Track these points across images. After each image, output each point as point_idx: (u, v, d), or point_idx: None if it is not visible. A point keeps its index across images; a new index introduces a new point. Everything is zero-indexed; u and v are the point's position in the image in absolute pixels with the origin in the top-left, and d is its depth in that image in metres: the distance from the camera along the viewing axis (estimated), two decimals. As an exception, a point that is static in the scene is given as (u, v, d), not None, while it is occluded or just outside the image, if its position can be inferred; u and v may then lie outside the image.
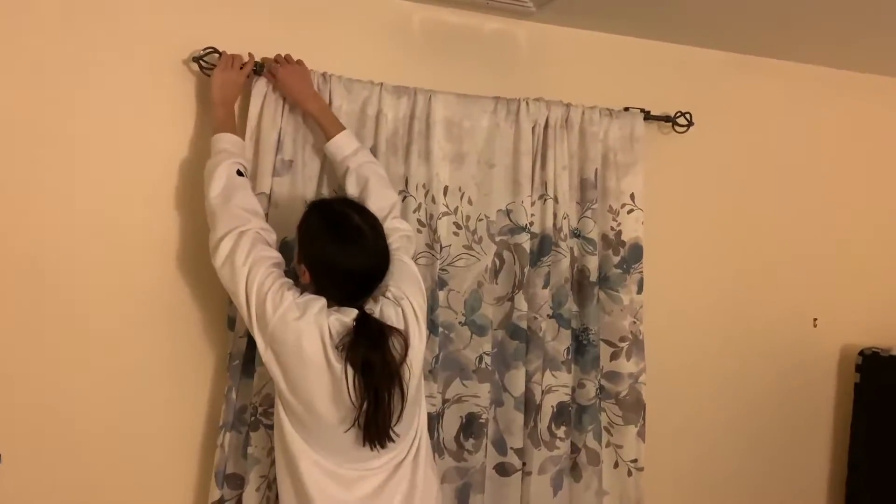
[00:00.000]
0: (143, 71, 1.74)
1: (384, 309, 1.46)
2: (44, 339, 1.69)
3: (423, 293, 1.56)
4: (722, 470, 2.37)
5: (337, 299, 1.46)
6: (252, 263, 1.44)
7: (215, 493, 1.73)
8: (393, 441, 1.44)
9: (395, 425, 1.43)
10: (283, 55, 1.76)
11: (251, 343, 1.69)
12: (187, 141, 1.78)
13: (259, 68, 1.76)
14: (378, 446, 1.43)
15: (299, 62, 1.76)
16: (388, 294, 1.49)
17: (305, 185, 1.78)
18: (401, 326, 1.46)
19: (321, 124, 1.73)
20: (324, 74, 1.81)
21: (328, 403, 1.40)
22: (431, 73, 1.95)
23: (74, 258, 1.70)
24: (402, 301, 1.49)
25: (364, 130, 1.83)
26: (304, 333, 1.38)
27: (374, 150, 1.82)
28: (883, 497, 2.31)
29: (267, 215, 1.70)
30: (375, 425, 1.41)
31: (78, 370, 1.72)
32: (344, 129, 1.72)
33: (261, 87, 1.76)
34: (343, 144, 1.70)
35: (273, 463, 1.66)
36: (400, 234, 1.60)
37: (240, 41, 1.76)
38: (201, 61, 1.74)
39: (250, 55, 1.75)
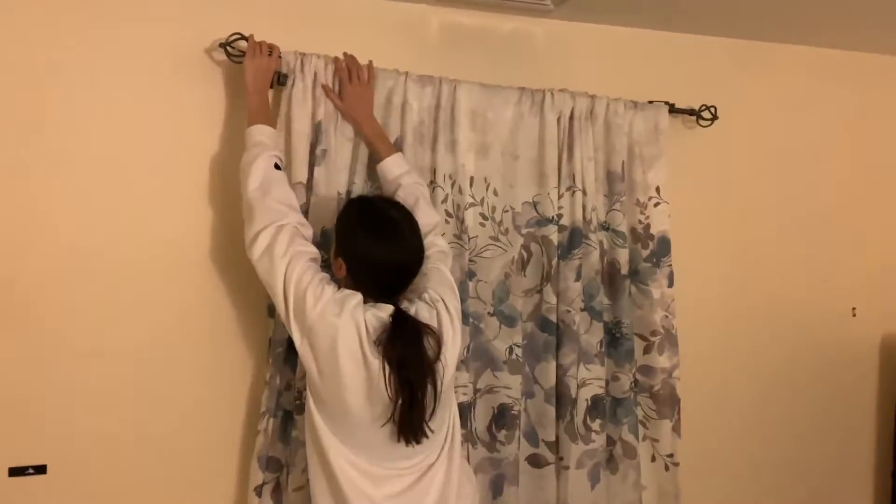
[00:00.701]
0: (168, 62, 1.78)
1: (419, 310, 1.50)
2: (85, 339, 1.75)
3: (458, 299, 1.61)
4: (762, 465, 2.33)
5: (373, 294, 1.50)
6: (291, 257, 1.49)
7: (258, 477, 1.78)
8: (427, 437, 1.47)
9: (429, 421, 1.46)
10: (351, 66, 1.79)
11: None
12: (218, 132, 1.83)
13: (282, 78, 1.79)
14: (413, 442, 1.46)
15: (369, 70, 1.81)
16: (425, 296, 1.53)
17: (338, 176, 1.83)
18: (435, 326, 1.49)
19: (375, 146, 1.80)
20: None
21: (362, 399, 1.43)
22: (451, 69, 1.98)
23: (111, 254, 1.77)
24: (437, 303, 1.53)
25: (390, 120, 1.88)
26: (342, 329, 1.42)
27: (400, 141, 1.88)
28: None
29: (308, 205, 1.76)
30: (410, 421, 1.44)
31: (119, 366, 1.78)
32: (396, 152, 1.80)
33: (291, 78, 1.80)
34: (395, 166, 1.77)
35: None
36: (437, 248, 1.65)
37: (264, 31, 1.80)
38: (228, 48, 1.77)
39: (274, 45, 1.78)
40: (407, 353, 1.42)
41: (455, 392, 1.89)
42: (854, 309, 2.43)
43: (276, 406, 1.79)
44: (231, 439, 1.87)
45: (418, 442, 1.46)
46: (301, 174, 1.77)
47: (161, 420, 1.81)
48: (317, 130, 1.80)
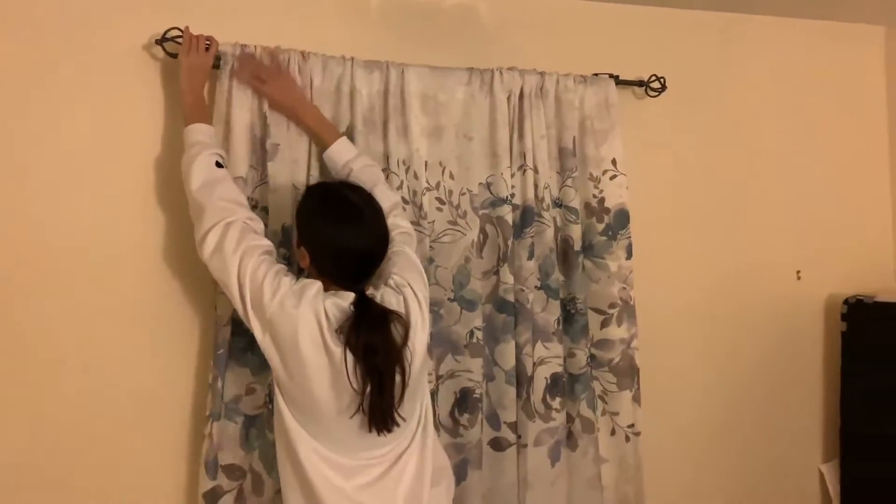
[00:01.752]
0: (104, 59, 1.75)
1: (385, 295, 1.50)
2: (28, 337, 1.72)
3: (426, 282, 1.61)
4: (717, 427, 2.44)
5: (339, 282, 1.50)
6: (243, 252, 1.47)
7: (206, 483, 1.77)
8: (398, 425, 1.47)
9: (398, 409, 1.46)
10: (263, 68, 1.76)
11: (236, 330, 1.74)
12: (158, 130, 1.80)
13: (217, 62, 1.77)
14: (385, 431, 1.46)
15: (284, 72, 1.77)
16: (390, 282, 1.53)
17: (295, 169, 1.81)
18: (402, 312, 1.49)
19: (318, 134, 1.78)
20: (303, 53, 1.84)
21: (327, 390, 1.43)
22: (397, 52, 1.98)
23: (57, 255, 1.74)
24: (404, 288, 1.52)
25: (340, 108, 1.86)
26: (302, 319, 1.41)
27: (351, 129, 1.87)
28: (878, 442, 2.39)
29: (255, 200, 1.76)
30: (380, 410, 1.44)
31: (65, 366, 1.75)
32: (341, 135, 1.77)
33: (226, 71, 1.78)
34: (343, 150, 1.76)
35: None
36: (400, 230, 1.66)
37: (201, 23, 1.77)
38: (164, 45, 1.75)
39: (212, 38, 1.76)
40: (372, 339, 1.42)
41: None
42: (798, 272, 2.53)
43: (231, 410, 1.78)
44: (181, 443, 1.85)
45: (389, 430, 1.47)
46: (242, 169, 1.76)
47: (108, 424, 1.79)
48: (264, 123, 1.77)
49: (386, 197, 1.68)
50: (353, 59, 1.86)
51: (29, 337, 1.71)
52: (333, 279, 1.50)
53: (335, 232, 1.50)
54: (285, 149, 1.79)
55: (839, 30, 2.57)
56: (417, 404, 1.57)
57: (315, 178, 1.83)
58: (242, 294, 1.45)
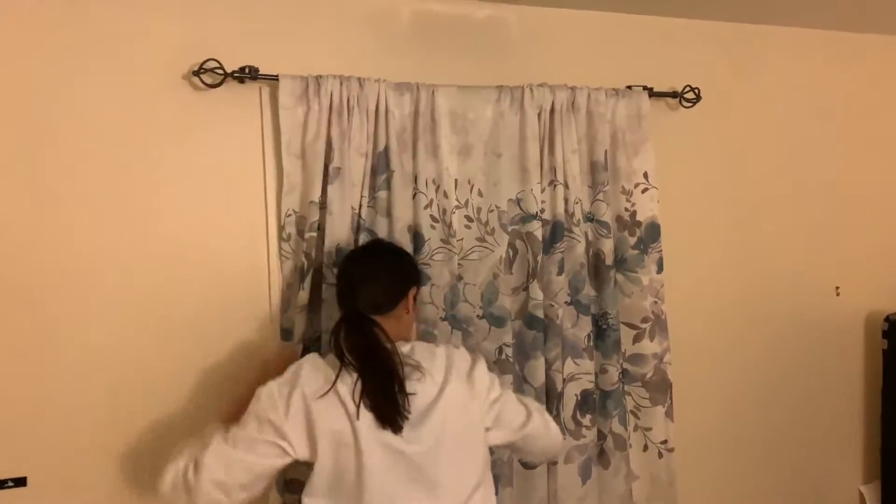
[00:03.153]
0: (141, 88, 1.84)
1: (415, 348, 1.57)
2: (71, 349, 1.81)
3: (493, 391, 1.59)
4: (752, 444, 2.45)
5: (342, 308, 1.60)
6: (233, 441, 1.46)
7: (276, 501, 1.85)
8: (406, 418, 1.46)
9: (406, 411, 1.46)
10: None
11: (306, 350, 1.86)
12: (192, 158, 1.89)
13: (254, 72, 1.86)
14: (398, 425, 1.45)
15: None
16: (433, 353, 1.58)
17: (352, 191, 1.91)
18: (429, 366, 1.53)
19: None
20: (340, 77, 1.91)
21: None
22: (427, 67, 2.05)
23: (105, 263, 1.83)
24: (458, 365, 1.56)
25: (378, 129, 1.94)
26: (307, 387, 1.48)
27: (387, 150, 1.94)
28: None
29: (321, 223, 1.89)
30: (383, 400, 1.45)
31: (137, 392, 1.85)
32: None
33: (288, 95, 1.86)
34: None
35: None
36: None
37: (234, 49, 1.86)
38: (201, 76, 1.85)
39: None
40: (355, 341, 1.48)
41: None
42: (838, 288, 2.53)
43: None
44: None
45: (399, 425, 1.45)
46: (315, 193, 1.87)
47: (148, 434, 1.86)
48: (328, 148, 1.88)
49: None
50: (382, 80, 1.93)
51: (67, 345, 1.80)
52: (340, 305, 1.62)
53: (346, 264, 1.66)
54: (345, 171, 1.89)
55: (867, 41, 2.57)
56: (468, 465, 1.53)
57: (367, 198, 1.94)
58: (273, 448, 1.46)
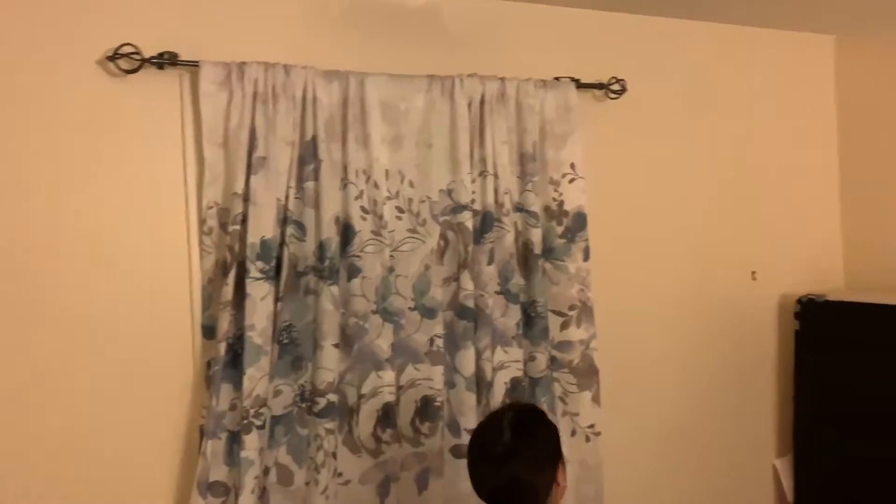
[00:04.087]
0: (51, 74, 1.73)
1: None
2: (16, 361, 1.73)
3: None
4: (675, 425, 2.55)
5: None
6: None
7: (198, 503, 1.80)
8: None
9: None
10: None
11: (229, 348, 1.81)
12: (106, 148, 1.80)
13: (174, 58, 1.78)
14: None
15: None
16: None
17: (278, 181, 1.85)
18: None
19: None
20: (265, 64, 1.85)
21: None
22: (357, 55, 2.02)
23: (14, 281, 1.74)
24: None
25: (305, 117, 1.89)
26: None
27: (315, 139, 1.90)
28: (830, 437, 2.52)
29: (244, 216, 1.81)
30: None
31: (50, 390, 1.77)
32: None
33: (210, 82, 1.79)
34: None
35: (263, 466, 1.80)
36: None
37: (152, 33, 1.78)
38: (116, 61, 1.75)
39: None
40: None
41: (381, 392, 1.94)
42: (754, 272, 2.64)
43: (218, 427, 1.82)
44: (169, 465, 1.87)
45: None
46: (238, 184, 1.81)
47: (59, 434, 1.78)
48: (252, 137, 1.82)
49: None
50: (310, 67, 1.88)
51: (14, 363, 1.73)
52: None
53: (472, 468, 1.48)
54: (271, 160, 1.84)
55: (792, 39, 2.70)
56: None
57: (294, 190, 1.88)
58: None
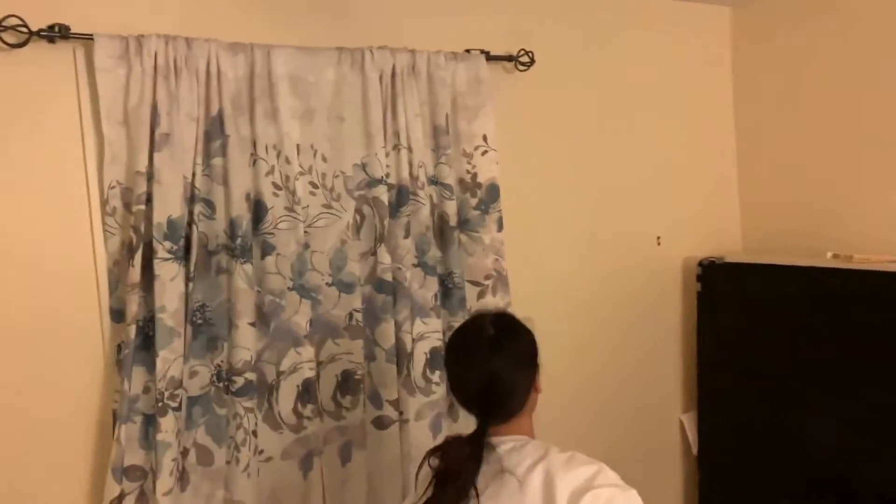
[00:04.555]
0: None
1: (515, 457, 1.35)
2: None
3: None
4: (587, 384, 2.65)
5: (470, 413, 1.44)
6: None
7: (114, 489, 1.77)
8: None
9: None
10: None
11: (140, 331, 1.77)
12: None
13: (65, 31, 1.69)
14: None
15: None
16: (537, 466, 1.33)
17: (183, 158, 1.80)
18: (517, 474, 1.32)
19: None
20: (166, 37, 1.78)
21: None
22: (262, 27, 1.96)
23: None
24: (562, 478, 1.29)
25: (210, 91, 1.84)
26: None
27: (220, 114, 1.85)
28: (728, 391, 2.67)
29: (149, 195, 1.75)
30: None
31: None
32: None
33: (106, 56, 1.72)
34: None
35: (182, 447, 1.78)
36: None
37: (41, 4, 1.69)
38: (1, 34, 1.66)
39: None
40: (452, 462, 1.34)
41: (300, 368, 1.94)
42: (658, 238, 2.75)
43: (132, 411, 1.79)
44: (82, 452, 1.83)
45: None
46: (141, 162, 1.75)
47: (1, 438, 1.74)
48: (154, 113, 1.76)
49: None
50: (213, 40, 1.82)
51: None
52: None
53: (453, 367, 1.49)
54: (175, 137, 1.78)
55: (691, 10, 2.79)
56: None
57: (201, 167, 1.83)
58: None
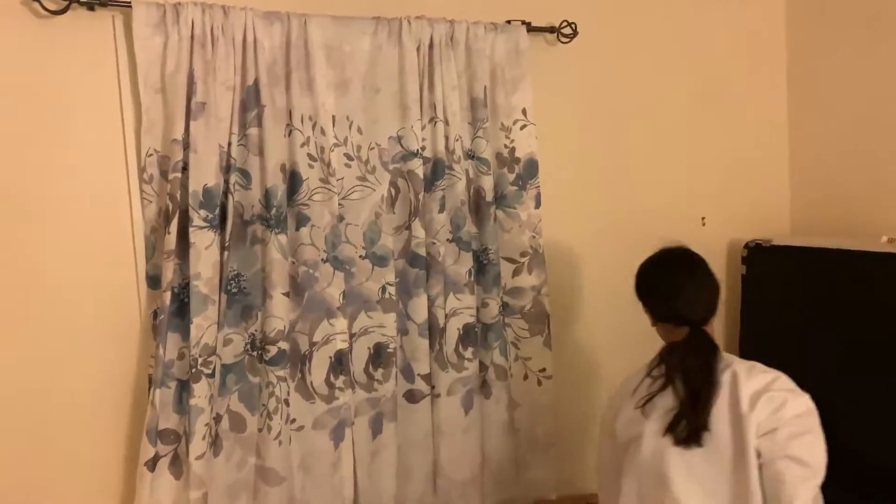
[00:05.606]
0: None
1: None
2: None
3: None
4: (626, 369, 2.55)
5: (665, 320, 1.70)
6: None
7: (148, 451, 1.81)
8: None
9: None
10: None
11: (175, 297, 1.81)
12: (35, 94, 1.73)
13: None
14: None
15: None
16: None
17: (219, 127, 1.82)
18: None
19: None
20: (202, 4, 1.80)
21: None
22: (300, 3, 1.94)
23: None
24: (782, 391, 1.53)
25: (246, 61, 1.84)
26: None
27: (256, 83, 1.86)
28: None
29: (185, 163, 1.77)
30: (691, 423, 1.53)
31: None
32: None
33: (144, 24, 1.73)
34: None
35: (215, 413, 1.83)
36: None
37: None
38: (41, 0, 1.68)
39: None
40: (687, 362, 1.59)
41: (333, 340, 1.94)
42: (703, 218, 2.66)
43: (166, 376, 1.82)
44: (119, 414, 1.88)
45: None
46: (177, 130, 1.77)
47: (41, 400, 1.80)
48: (191, 81, 1.77)
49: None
50: (251, 9, 1.82)
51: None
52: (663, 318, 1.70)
53: (656, 281, 1.73)
54: (211, 106, 1.80)
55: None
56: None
57: (237, 136, 1.84)
58: None
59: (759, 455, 1.48)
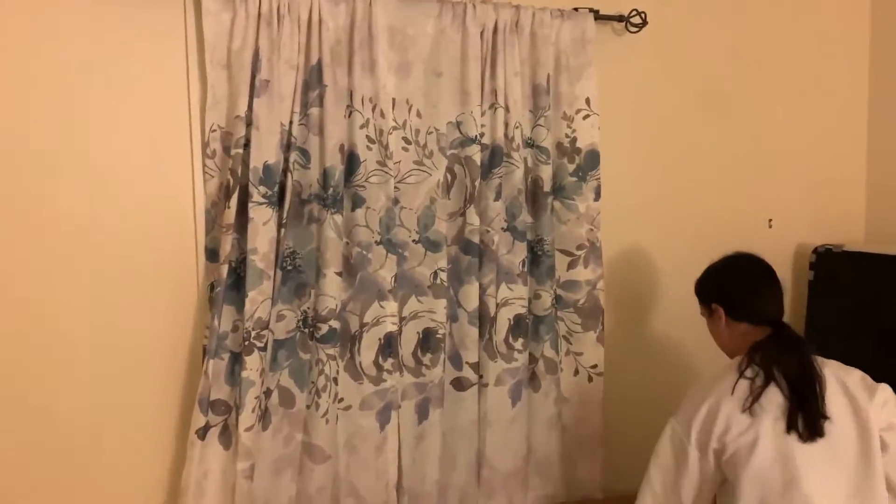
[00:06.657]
0: None
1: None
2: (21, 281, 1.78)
3: None
4: (678, 371, 2.51)
5: (749, 318, 1.71)
6: None
7: (200, 420, 1.87)
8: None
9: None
10: None
11: (231, 271, 1.85)
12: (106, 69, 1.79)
13: None
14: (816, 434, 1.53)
15: None
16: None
17: (281, 106, 1.85)
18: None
19: None
20: None
21: None
22: None
23: (40, 199, 1.78)
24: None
25: (311, 42, 1.87)
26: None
27: (319, 63, 1.88)
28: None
29: (247, 139, 1.81)
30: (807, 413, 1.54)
31: (54, 310, 1.82)
32: None
33: (213, 0, 1.79)
34: None
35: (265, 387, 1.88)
36: None
37: None
38: None
39: None
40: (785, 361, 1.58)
41: (383, 322, 1.95)
42: (770, 220, 2.57)
43: (220, 347, 1.87)
44: (172, 383, 1.94)
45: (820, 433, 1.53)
46: (241, 106, 1.81)
47: (97, 366, 1.86)
48: (256, 59, 1.81)
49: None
50: (317, -12, 1.83)
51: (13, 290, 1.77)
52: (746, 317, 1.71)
53: (737, 271, 1.82)
54: (274, 84, 1.83)
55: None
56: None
57: (298, 115, 1.87)
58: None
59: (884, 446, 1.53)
